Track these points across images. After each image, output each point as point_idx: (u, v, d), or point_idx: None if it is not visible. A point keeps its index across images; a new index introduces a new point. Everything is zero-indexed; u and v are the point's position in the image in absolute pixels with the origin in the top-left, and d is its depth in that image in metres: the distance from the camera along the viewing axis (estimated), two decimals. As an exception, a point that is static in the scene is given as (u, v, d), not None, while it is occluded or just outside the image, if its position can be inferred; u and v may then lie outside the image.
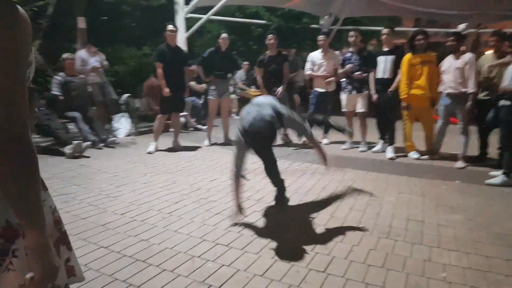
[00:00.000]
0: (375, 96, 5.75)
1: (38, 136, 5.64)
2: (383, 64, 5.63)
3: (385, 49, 5.72)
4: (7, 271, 0.93)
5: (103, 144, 6.02)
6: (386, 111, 5.70)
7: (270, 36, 6.37)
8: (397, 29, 13.78)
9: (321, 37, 6.41)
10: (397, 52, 5.61)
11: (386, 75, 5.63)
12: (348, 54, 6.19)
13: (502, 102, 4.29)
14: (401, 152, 5.80)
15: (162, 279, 2.32)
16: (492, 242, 2.88)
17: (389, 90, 5.56)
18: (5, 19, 0.83)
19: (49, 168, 4.71)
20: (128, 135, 6.85)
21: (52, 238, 1.04)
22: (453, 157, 5.30)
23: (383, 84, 5.66)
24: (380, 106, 5.76)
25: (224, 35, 6.34)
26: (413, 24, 17.89)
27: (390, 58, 5.58)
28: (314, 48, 6.57)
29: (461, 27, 10.56)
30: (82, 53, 6.91)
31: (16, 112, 0.85)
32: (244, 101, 9.01)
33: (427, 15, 11.79)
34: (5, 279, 0.93)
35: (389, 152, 5.69)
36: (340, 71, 6.19)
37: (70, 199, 3.65)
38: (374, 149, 6.07)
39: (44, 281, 0.90)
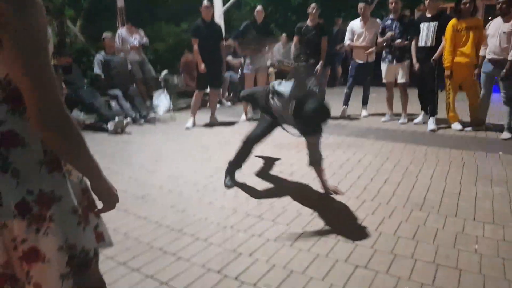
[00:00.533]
0: (417, 66, 5.51)
1: (82, 113, 5.94)
2: (426, 32, 5.33)
3: (428, 15, 5.39)
4: (46, 235, 1.04)
5: (143, 121, 6.25)
6: (428, 81, 5.45)
7: (313, 5, 6.25)
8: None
9: (361, 5, 6.14)
10: (441, 18, 5.27)
11: (429, 43, 5.33)
12: (389, 22, 5.89)
13: None
14: (444, 123, 5.59)
15: (195, 247, 2.45)
16: (532, 214, 2.77)
17: (432, 59, 5.28)
18: (32, 6, 0.89)
19: (93, 144, 4.91)
20: (168, 111, 7.04)
21: (80, 206, 1.15)
22: (500, 128, 5.04)
23: (425, 52, 5.37)
24: (422, 76, 5.51)
25: (259, 7, 6.25)
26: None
27: (433, 24, 5.27)
28: (357, 16, 6.33)
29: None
30: (122, 32, 7.09)
31: (51, 92, 0.94)
32: (282, 74, 8.97)
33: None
34: (45, 242, 1.04)
35: (431, 124, 5.47)
36: (380, 39, 5.95)
37: (113, 173, 3.86)
38: (415, 120, 5.87)
39: (113, 203, 1.20)
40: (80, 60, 7.54)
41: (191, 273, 2.17)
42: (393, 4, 5.76)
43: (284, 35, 10.37)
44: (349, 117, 6.44)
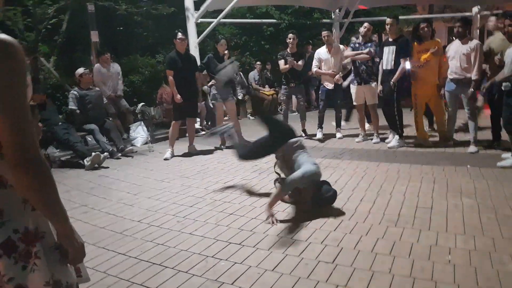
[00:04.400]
0: (379, 88, 5.73)
1: (57, 150, 5.88)
2: (387, 55, 5.56)
3: (390, 39, 5.63)
4: (32, 272, 1.07)
5: (121, 154, 6.21)
6: (388, 103, 5.63)
7: (290, 35, 6.70)
8: (412, 17, 13.60)
9: (324, 33, 6.47)
10: (400, 41, 5.48)
11: (389, 66, 5.53)
12: (357, 45, 6.14)
13: (504, 85, 4.24)
14: (415, 140, 5.80)
15: (177, 280, 2.45)
16: (500, 224, 2.90)
17: (392, 81, 5.44)
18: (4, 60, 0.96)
19: (70, 181, 4.93)
20: (145, 143, 7.04)
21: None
22: (467, 143, 5.27)
23: (386, 75, 5.58)
24: (384, 97, 5.70)
25: (222, 41, 6.42)
26: (427, 11, 17.57)
27: (392, 48, 5.48)
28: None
29: (475, 10, 10.39)
30: (98, 67, 7.15)
31: (28, 136, 0.99)
32: (258, 102, 9.14)
33: (440, 1, 11.56)
34: (32, 278, 1.07)
35: (394, 141, 5.66)
36: (357, 56, 6.02)
37: (89, 210, 3.84)
38: (387, 141, 5.99)
39: (79, 255, 1.18)
40: (54, 96, 7.51)
41: (174, 306, 2.17)
42: (365, 30, 5.99)
43: (258, 63, 10.63)
44: (323, 140, 6.59)
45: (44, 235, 1.11)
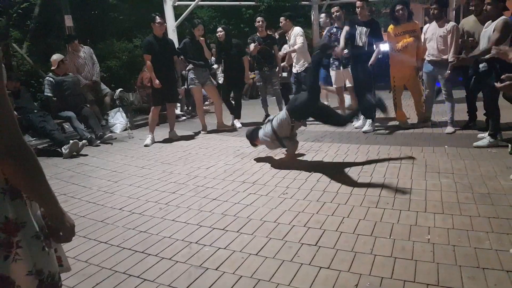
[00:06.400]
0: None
1: (34, 138, 5.71)
2: (359, 36, 5.48)
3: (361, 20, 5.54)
4: (15, 261, 1.06)
5: (100, 141, 6.10)
6: (364, 85, 5.58)
7: (258, 19, 6.61)
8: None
9: (282, 18, 6.57)
10: (372, 26, 5.45)
11: (360, 44, 5.47)
12: (334, 30, 6.14)
13: (481, 66, 4.31)
14: (394, 121, 5.87)
15: (160, 267, 2.44)
16: (476, 202, 2.99)
17: (369, 64, 5.43)
18: None
19: (48, 169, 4.81)
20: (125, 130, 6.92)
21: (42, 231, 1.17)
22: (445, 124, 5.38)
23: (360, 55, 5.52)
24: (358, 79, 5.66)
25: (199, 26, 6.29)
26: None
27: (366, 30, 5.43)
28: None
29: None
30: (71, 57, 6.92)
31: (7, 124, 0.98)
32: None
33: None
34: (14, 268, 1.06)
35: (366, 126, 5.68)
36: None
37: (70, 198, 3.77)
38: (357, 125, 5.96)
39: (69, 235, 1.19)
40: (29, 82, 7.26)
41: (158, 293, 2.17)
42: (337, 13, 5.99)
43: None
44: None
45: (24, 224, 1.09)
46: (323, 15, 7.20)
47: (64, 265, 1.31)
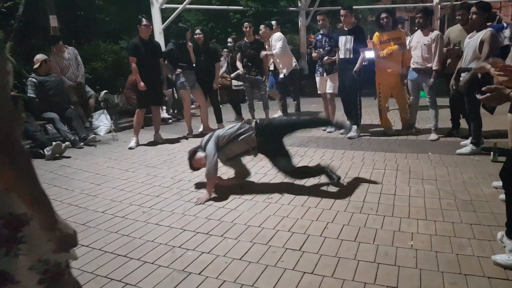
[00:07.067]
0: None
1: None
2: (344, 45, 5.57)
3: (346, 28, 5.63)
4: (16, 257, 1.07)
5: (83, 143, 6.00)
6: (351, 92, 5.69)
7: (246, 24, 6.62)
8: (375, 6, 13.87)
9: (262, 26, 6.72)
10: (356, 32, 5.54)
11: (347, 56, 5.55)
12: (319, 37, 6.17)
13: (463, 75, 4.39)
14: (379, 128, 5.93)
15: (143, 271, 2.40)
16: (459, 208, 3.03)
17: (354, 71, 5.49)
18: None
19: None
20: (109, 132, 6.83)
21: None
22: (429, 131, 5.45)
23: (345, 64, 5.61)
24: (344, 87, 5.75)
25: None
26: (391, 1, 17.96)
27: (350, 38, 5.51)
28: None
29: (436, 0, 10.69)
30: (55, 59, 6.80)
31: (6, 125, 0.95)
32: (225, 89, 9.03)
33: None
34: (16, 263, 1.07)
35: (352, 132, 5.70)
36: (313, 54, 6.15)
37: (51, 201, 3.68)
38: (341, 131, 5.87)
39: (63, 247, 1.13)
40: (11, 83, 7.10)
41: (140, 298, 2.13)
42: (320, 22, 6.03)
43: (225, 50, 10.49)
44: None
45: (30, 220, 1.10)
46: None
47: (71, 252, 1.29)
